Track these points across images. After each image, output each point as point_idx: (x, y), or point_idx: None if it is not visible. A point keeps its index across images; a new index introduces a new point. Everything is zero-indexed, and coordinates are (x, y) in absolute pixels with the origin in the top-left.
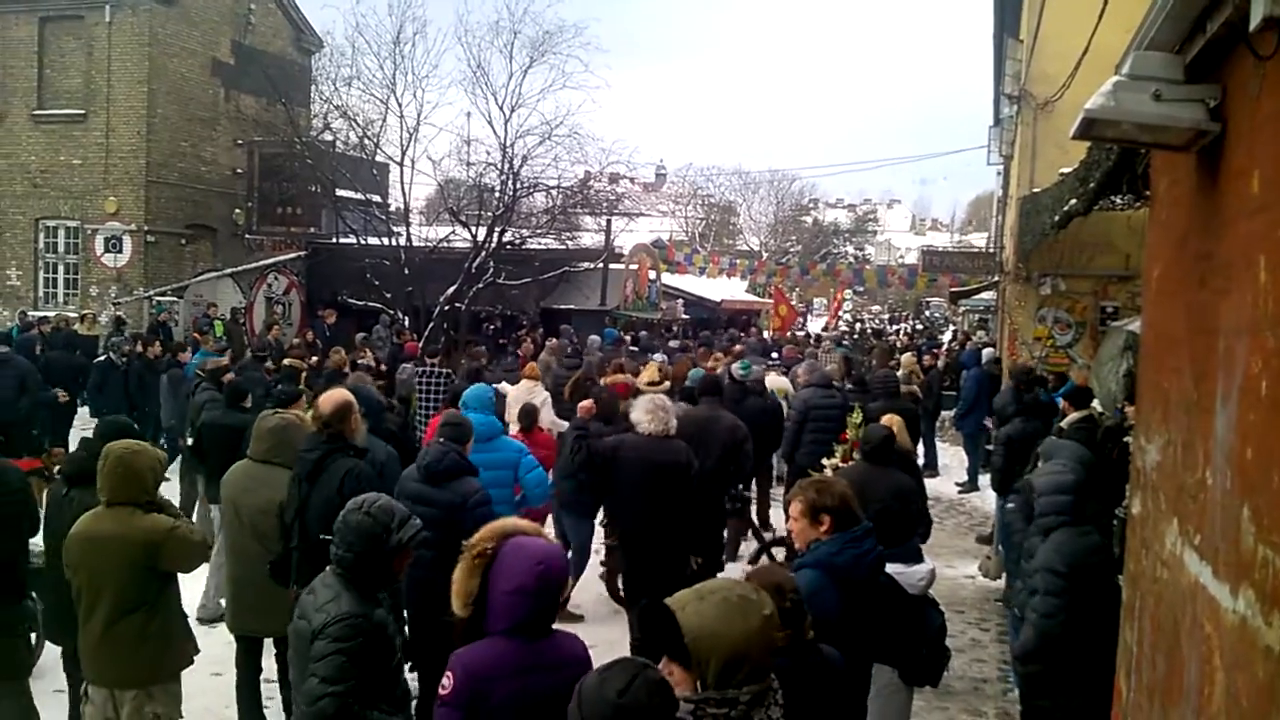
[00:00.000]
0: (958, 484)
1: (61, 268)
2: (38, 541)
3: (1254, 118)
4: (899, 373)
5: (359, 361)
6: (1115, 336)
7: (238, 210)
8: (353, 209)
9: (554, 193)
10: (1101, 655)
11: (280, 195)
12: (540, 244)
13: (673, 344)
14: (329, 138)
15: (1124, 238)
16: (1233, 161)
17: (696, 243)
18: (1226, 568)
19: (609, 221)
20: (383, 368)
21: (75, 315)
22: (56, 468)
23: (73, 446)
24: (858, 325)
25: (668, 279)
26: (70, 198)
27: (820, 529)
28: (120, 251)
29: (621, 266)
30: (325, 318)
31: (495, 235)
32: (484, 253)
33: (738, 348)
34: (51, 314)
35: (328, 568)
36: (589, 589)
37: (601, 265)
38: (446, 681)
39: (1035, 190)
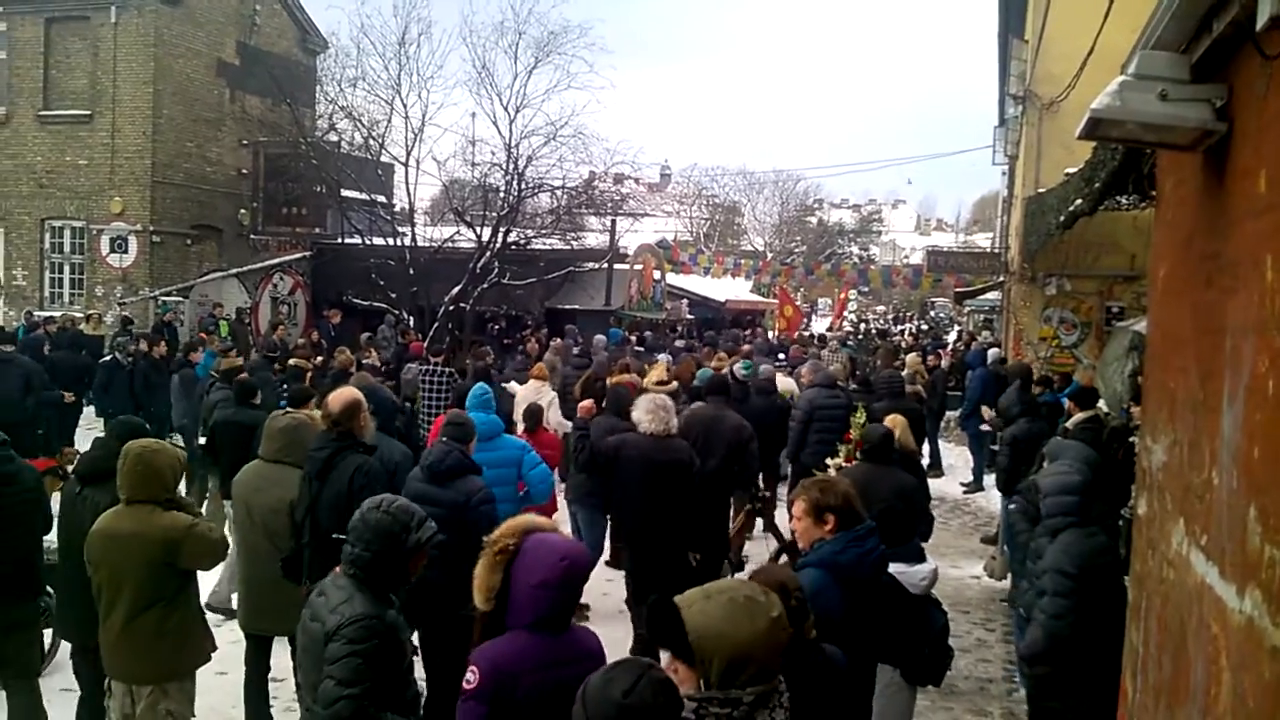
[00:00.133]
0: (963, 484)
1: (67, 268)
2: (51, 539)
3: (1261, 117)
4: (904, 373)
5: (364, 361)
6: (1121, 337)
7: (243, 210)
8: (358, 209)
9: (559, 193)
10: (1110, 656)
11: (285, 196)
12: (545, 244)
13: (678, 344)
14: (334, 138)
15: (1129, 238)
16: (1239, 161)
17: (701, 243)
18: (1233, 568)
19: (614, 222)
20: (388, 367)
21: (81, 315)
22: (70, 466)
23: (78, 446)
24: (862, 325)
25: (672, 279)
26: (76, 198)
27: (824, 528)
28: (126, 252)
29: (626, 267)
30: (330, 318)
31: (500, 235)
32: (489, 253)
33: (746, 347)
34: (57, 314)
35: (339, 568)
36: (593, 588)
37: (606, 265)
38: (471, 676)
39: (1040, 190)
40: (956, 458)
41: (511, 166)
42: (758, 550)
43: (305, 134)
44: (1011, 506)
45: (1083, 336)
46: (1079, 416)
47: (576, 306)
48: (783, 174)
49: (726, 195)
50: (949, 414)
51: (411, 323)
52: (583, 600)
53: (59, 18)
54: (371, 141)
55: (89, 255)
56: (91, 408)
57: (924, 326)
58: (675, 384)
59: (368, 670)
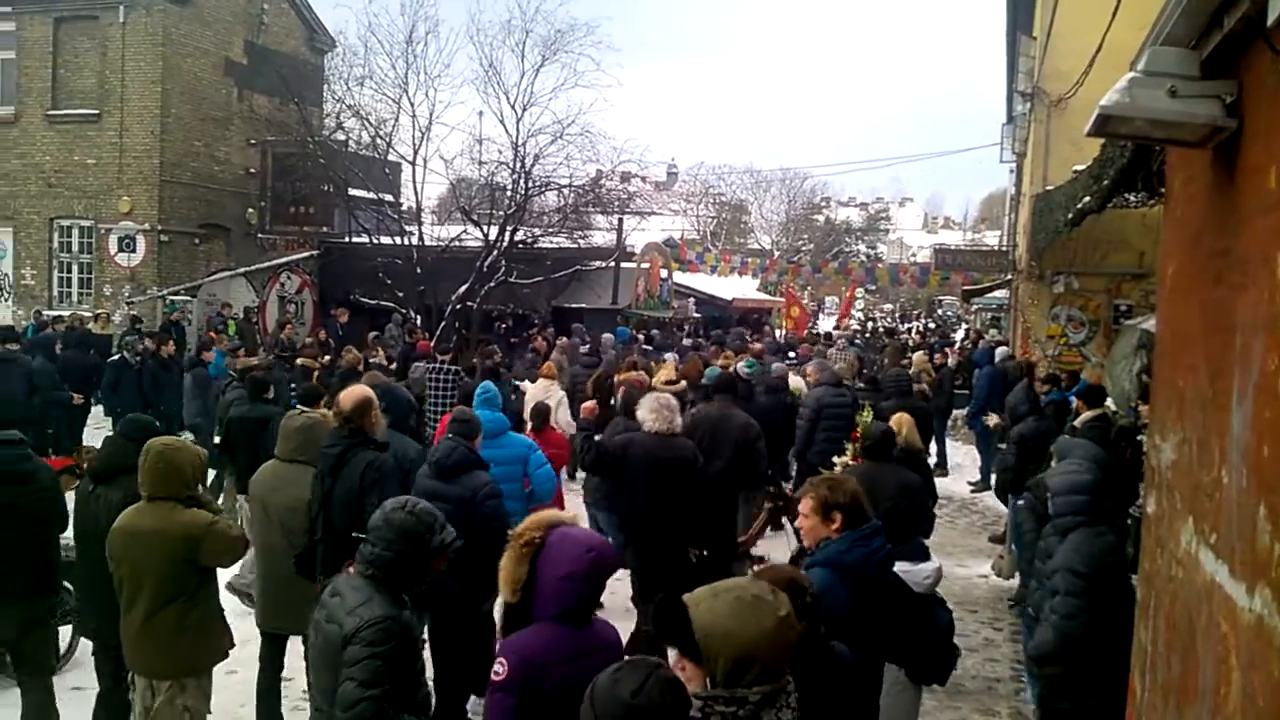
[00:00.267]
0: (970, 483)
1: (76, 267)
2: (68, 537)
3: (1272, 113)
4: (911, 371)
5: (371, 360)
6: (1129, 334)
7: (251, 210)
8: (365, 208)
9: (566, 191)
10: (1122, 656)
11: (293, 195)
12: (552, 243)
13: (686, 342)
14: (341, 137)
15: (1138, 235)
16: (1249, 157)
17: (708, 241)
18: (1243, 566)
19: (621, 220)
20: (395, 366)
21: (89, 314)
22: (85, 465)
23: (88, 444)
24: (870, 324)
25: (679, 278)
26: (84, 197)
27: (831, 526)
28: (134, 251)
29: (633, 265)
30: (338, 317)
31: (507, 234)
32: (496, 251)
33: (757, 346)
34: (66, 313)
35: (354, 568)
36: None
37: (613, 264)
38: (500, 668)
39: (1048, 188)
40: (964, 456)
41: (519, 165)
42: (773, 549)
43: (313, 133)
44: (1018, 504)
45: (1091, 334)
46: (1087, 415)
47: (583, 305)
48: (790, 172)
49: (733, 194)
50: (956, 412)
51: (419, 321)
52: None
53: (67, 17)
54: (379, 140)
55: (97, 254)
56: (100, 407)
57: (931, 325)
58: (683, 383)
59: (387, 672)
